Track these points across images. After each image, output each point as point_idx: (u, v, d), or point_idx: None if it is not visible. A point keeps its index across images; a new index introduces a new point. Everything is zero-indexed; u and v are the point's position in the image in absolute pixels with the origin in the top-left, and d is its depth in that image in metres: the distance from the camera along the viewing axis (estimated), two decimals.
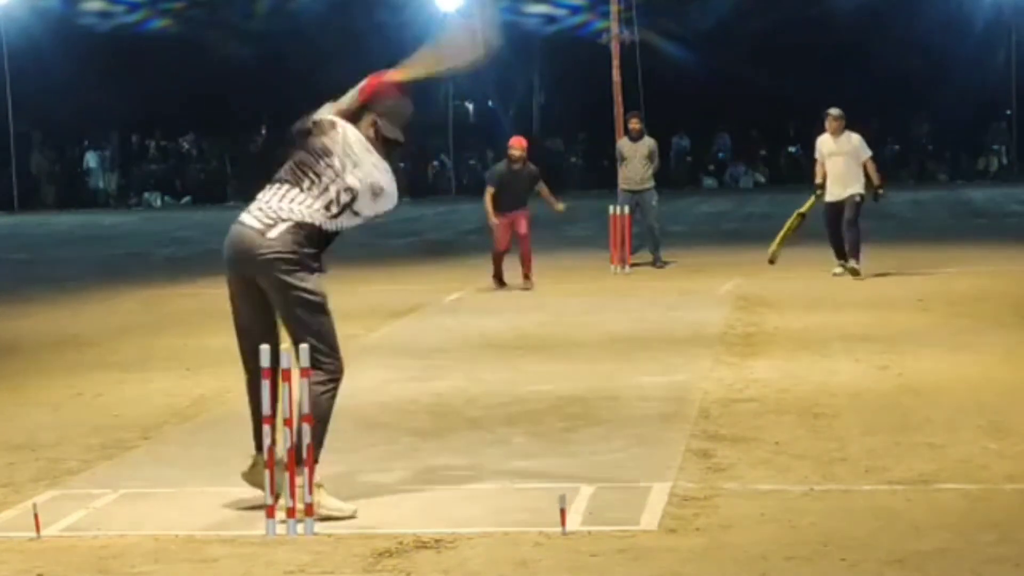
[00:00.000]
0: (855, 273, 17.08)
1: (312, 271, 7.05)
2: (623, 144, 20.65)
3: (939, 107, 45.94)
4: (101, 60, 43.94)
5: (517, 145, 17.63)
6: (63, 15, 44.96)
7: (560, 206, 18.10)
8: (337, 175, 7.11)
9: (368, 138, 7.30)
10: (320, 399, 6.91)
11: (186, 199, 46.31)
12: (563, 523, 6.62)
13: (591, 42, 35.32)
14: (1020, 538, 6.40)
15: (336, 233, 7.16)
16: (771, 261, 17.79)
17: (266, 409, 6.76)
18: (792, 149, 46.73)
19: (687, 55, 43.82)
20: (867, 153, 17.67)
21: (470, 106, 50.94)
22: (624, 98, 25.19)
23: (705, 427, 8.88)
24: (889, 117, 47.51)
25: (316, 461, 6.86)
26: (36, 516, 6.81)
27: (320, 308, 7.07)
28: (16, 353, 13.23)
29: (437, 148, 48.28)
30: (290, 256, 6.97)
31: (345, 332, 13.67)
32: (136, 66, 44.45)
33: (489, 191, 17.47)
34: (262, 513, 6.73)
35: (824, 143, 17.78)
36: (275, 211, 7.06)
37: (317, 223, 7.04)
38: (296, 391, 6.79)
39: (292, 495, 6.69)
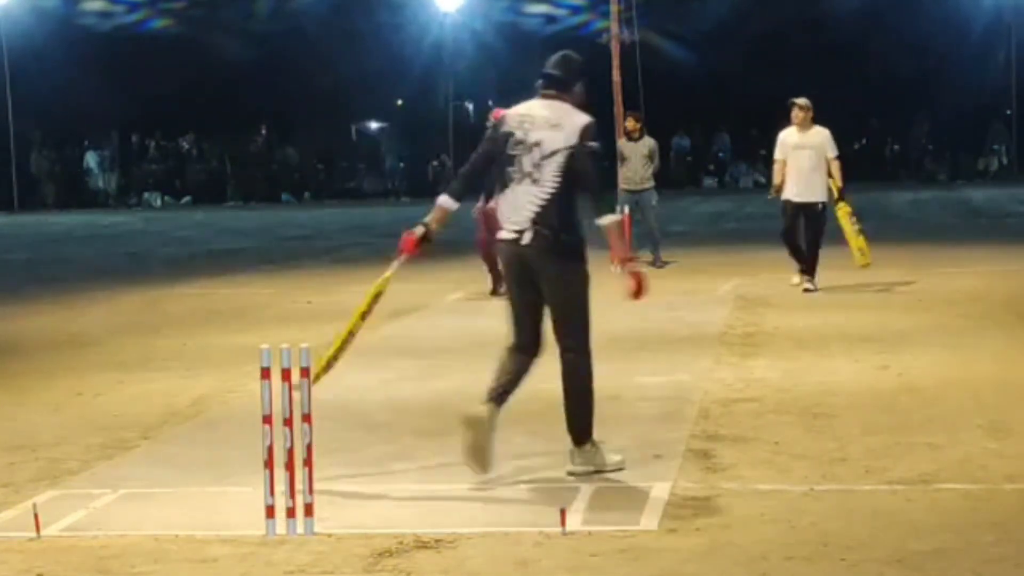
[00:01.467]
0: (804, 285, 16.08)
1: (574, 258, 7.68)
2: (623, 144, 20.61)
3: (939, 107, 45.95)
4: (101, 60, 43.95)
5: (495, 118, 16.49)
6: (63, 15, 44.97)
7: None
8: (527, 146, 7.68)
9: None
10: (582, 373, 7.69)
11: (186, 199, 46.32)
12: (563, 523, 6.63)
13: (591, 42, 35.30)
14: (1020, 538, 6.40)
15: (573, 197, 7.65)
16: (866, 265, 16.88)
17: (265, 408, 6.76)
18: None
19: (687, 55, 43.82)
20: (834, 151, 16.14)
21: (470, 106, 50.92)
22: (624, 98, 25.20)
23: (705, 427, 8.89)
24: (889, 117, 47.54)
25: (589, 432, 7.71)
26: (36, 516, 6.81)
27: (583, 292, 7.69)
28: (16, 353, 13.23)
29: (437, 148, 48.29)
30: (552, 258, 7.63)
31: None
32: (136, 66, 44.45)
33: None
34: (262, 513, 6.74)
35: (789, 136, 16.14)
36: (515, 220, 7.69)
37: (543, 201, 7.63)
38: (296, 393, 6.78)
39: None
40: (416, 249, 7.88)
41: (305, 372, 6.81)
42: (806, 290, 16.00)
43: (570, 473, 7.70)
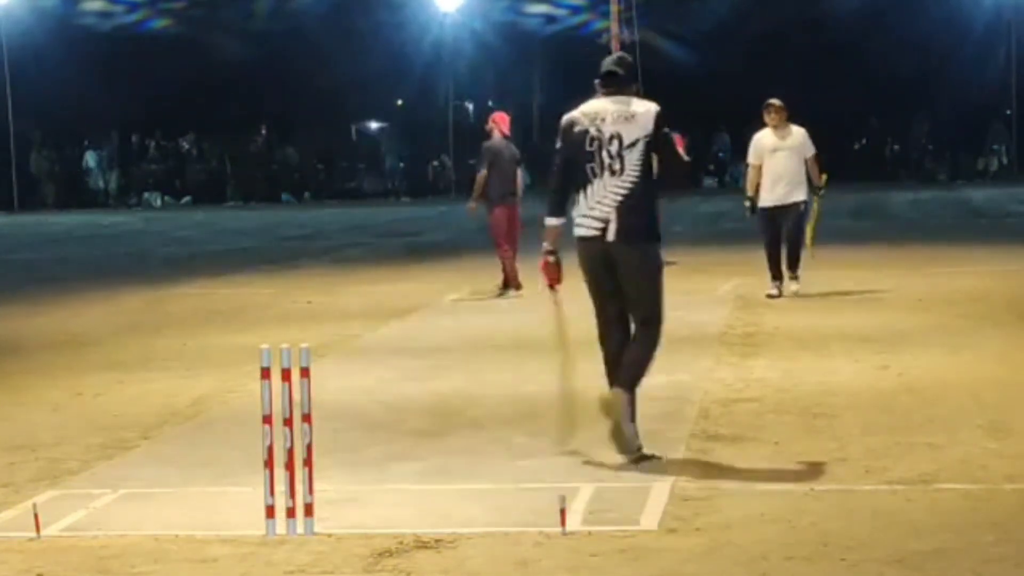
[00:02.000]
0: (796, 290, 15.58)
1: (652, 240, 8.17)
2: None
3: (939, 107, 45.94)
4: (101, 60, 43.95)
5: (503, 121, 16.89)
6: (63, 15, 44.96)
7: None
8: (604, 140, 8.09)
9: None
10: (654, 342, 8.24)
11: (186, 199, 46.32)
12: (563, 523, 6.63)
13: (591, 42, 35.32)
14: (1020, 538, 6.40)
15: (655, 183, 8.15)
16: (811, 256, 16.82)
17: (265, 409, 6.76)
18: None
19: (687, 55, 43.81)
20: (812, 150, 15.65)
21: (470, 106, 50.94)
22: None
23: (705, 427, 8.89)
24: (889, 117, 47.52)
25: (635, 386, 8.18)
26: (36, 516, 6.81)
27: (660, 273, 8.23)
28: (16, 353, 13.23)
29: (437, 148, 48.29)
30: (635, 245, 8.09)
31: (345, 332, 13.76)
32: (136, 66, 44.44)
33: (483, 173, 16.61)
34: (262, 513, 6.74)
35: (764, 138, 15.65)
36: (597, 212, 8.08)
37: (625, 190, 8.05)
38: (296, 392, 6.78)
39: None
40: (557, 274, 8.35)
41: (306, 372, 6.81)
42: (795, 293, 15.52)
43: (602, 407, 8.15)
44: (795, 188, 15.57)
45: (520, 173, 16.92)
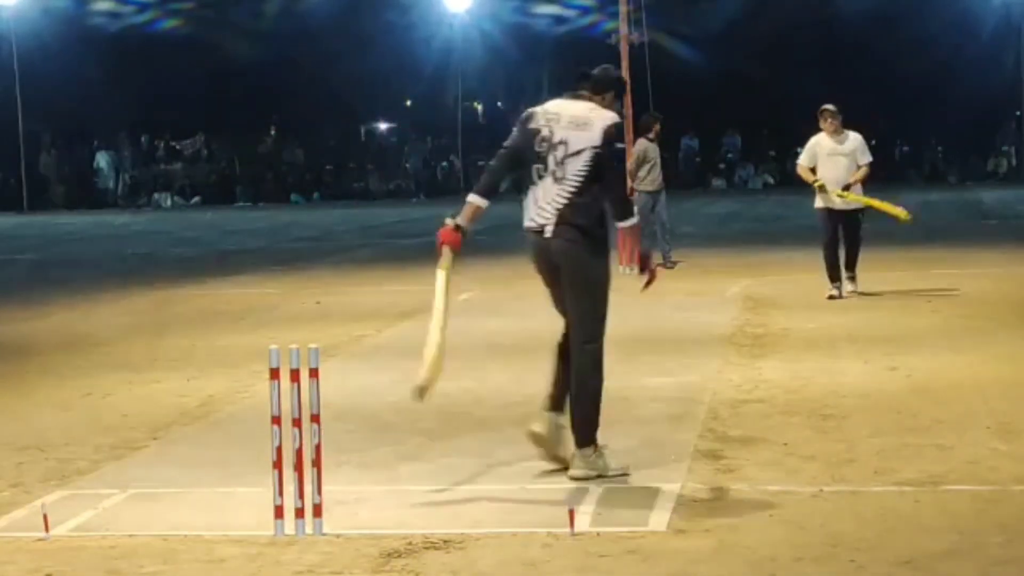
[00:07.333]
0: (852, 289, 15.58)
1: (596, 253, 7.78)
2: (647, 146, 20.38)
3: (949, 108, 45.89)
4: (111, 61, 44.02)
5: None
6: (73, 16, 45.03)
7: None
8: (552, 144, 7.70)
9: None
10: (593, 372, 7.75)
11: (195, 199, 46.37)
12: (572, 524, 6.63)
13: (600, 42, 35.35)
14: None
15: (596, 195, 7.79)
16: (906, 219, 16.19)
17: (274, 409, 6.77)
18: (801, 150, 46.69)
19: (697, 55, 43.81)
20: (868, 157, 15.73)
21: (479, 107, 50.96)
22: (633, 99, 25.16)
23: (714, 428, 8.89)
24: (898, 118, 47.48)
25: (592, 436, 7.64)
26: (45, 516, 6.82)
27: (600, 288, 7.81)
28: (26, 353, 13.24)
29: (446, 149, 48.32)
30: (572, 250, 7.72)
31: (354, 333, 13.75)
32: (146, 67, 44.52)
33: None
34: (271, 513, 6.74)
35: (821, 143, 15.70)
36: (539, 216, 7.69)
37: (566, 200, 7.66)
38: (305, 393, 6.78)
39: None
40: (456, 239, 7.64)
41: (315, 373, 6.81)
42: (852, 292, 15.54)
43: (571, 478, 7.60)
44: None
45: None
